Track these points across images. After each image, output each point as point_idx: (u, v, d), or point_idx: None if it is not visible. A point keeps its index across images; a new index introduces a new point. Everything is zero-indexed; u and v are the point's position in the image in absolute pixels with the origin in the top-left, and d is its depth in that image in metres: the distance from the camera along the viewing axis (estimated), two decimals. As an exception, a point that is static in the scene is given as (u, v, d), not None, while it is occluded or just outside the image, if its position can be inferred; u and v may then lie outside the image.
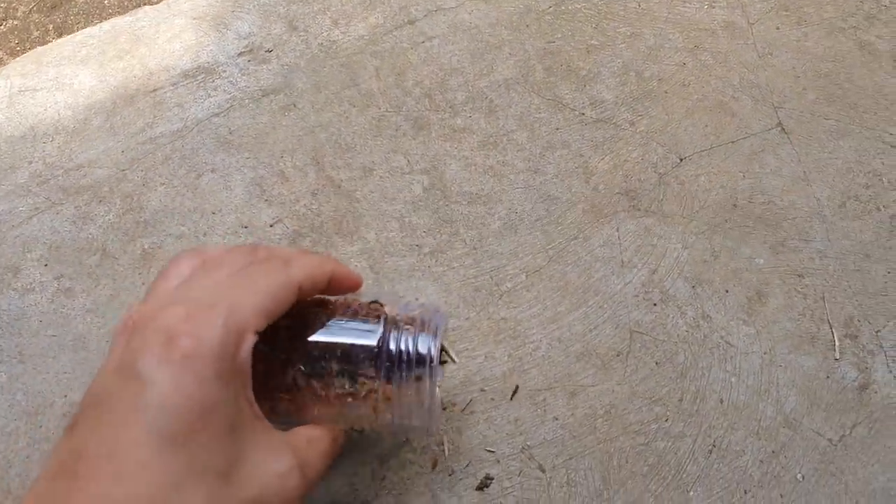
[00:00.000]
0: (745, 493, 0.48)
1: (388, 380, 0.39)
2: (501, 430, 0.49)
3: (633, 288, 0.54)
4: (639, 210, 0.56)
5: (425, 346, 0.40)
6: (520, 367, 0.51)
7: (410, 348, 0.39)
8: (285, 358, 0.38)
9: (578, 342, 0.52)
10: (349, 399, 0.39)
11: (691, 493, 0.48)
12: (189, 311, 0.32)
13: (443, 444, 0.48)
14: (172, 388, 0.30)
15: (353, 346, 0.39)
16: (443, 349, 0.43)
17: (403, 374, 0.39)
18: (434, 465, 0.47)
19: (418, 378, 0.39)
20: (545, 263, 0.54)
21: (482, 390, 0.50)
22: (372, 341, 0.39)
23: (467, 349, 0.51)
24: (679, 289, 0.53)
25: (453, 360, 0.49)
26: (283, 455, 0.35)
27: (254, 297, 0.34)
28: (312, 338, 0.38)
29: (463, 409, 0.49)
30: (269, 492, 0.33)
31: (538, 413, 0.50)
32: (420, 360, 0.39)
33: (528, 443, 0.49)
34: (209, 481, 0.31)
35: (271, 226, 0.55)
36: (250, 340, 0.33)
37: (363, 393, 0.39)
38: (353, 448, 0.48)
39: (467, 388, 0.50)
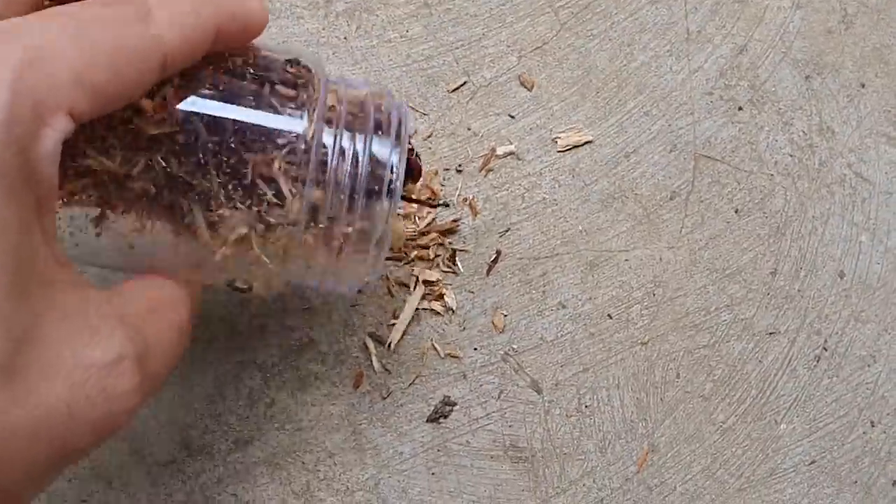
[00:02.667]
0: (872, 425, 0.38)
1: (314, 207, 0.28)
2: (472, 325, 0.38)
3: (703, 80, 0.41)
4: (720, -64, 0.43)
5: (385, 152, 0.29)
6: (503, 218, 0.39)
7: (361, 154, 0.29)
8: (117, 151, 0.27)
9: (604, 176, 0.40)
10: (243, 229, 0.28)
11: (783, 425, 0.38)
12: None
13: (369, 348, 0.36)
14: None
15: (256, 128, 0.27)
16: (411, 163, 0.31)
17: (345, 197, 0.29)
18: (357, 384, 0.37)
19: (367, 209, 0.29)
20: (553, 34, 0.40)
21: (437, 255, 0.38)
22: (295, 126, 0.27)
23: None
24: (783, 80, 0.41)
25: (436, 200, 0.37)
26: (106, 332, 0.25)
27: (77, 51, 0.24)
28: (183, 105, 0.27)
29: (401, 285, 0.37)
30: (80, 395, 0.25)
31: (533, 296, 0.39)
32: (376, 177, 0.29)
33: (515, 345, 0.38)
34: None
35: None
36: (61, 128, 0.24)
37: (269, 220, 0.27)
38: (216, 347, 0.36)
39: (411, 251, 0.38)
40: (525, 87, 0.39)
